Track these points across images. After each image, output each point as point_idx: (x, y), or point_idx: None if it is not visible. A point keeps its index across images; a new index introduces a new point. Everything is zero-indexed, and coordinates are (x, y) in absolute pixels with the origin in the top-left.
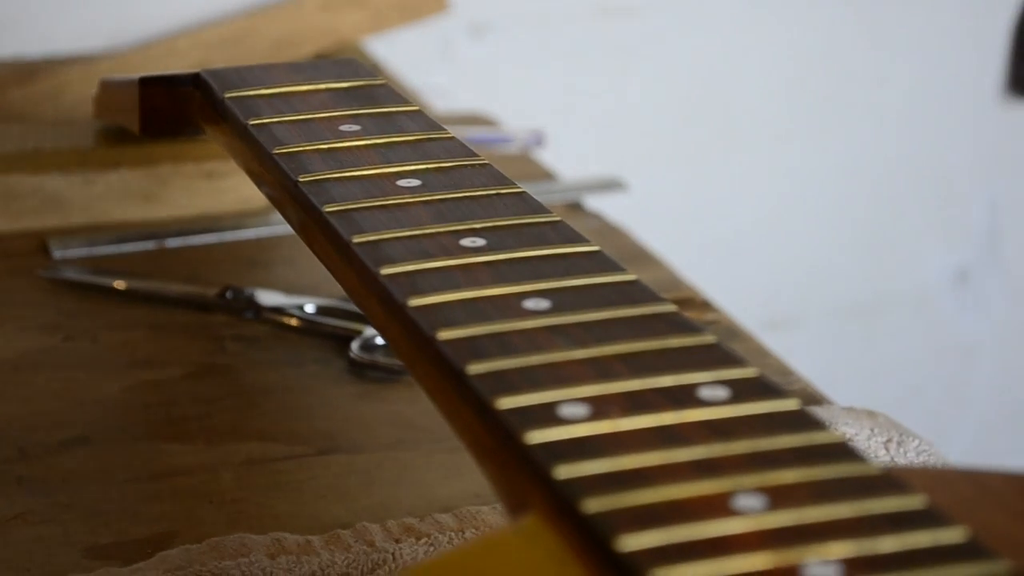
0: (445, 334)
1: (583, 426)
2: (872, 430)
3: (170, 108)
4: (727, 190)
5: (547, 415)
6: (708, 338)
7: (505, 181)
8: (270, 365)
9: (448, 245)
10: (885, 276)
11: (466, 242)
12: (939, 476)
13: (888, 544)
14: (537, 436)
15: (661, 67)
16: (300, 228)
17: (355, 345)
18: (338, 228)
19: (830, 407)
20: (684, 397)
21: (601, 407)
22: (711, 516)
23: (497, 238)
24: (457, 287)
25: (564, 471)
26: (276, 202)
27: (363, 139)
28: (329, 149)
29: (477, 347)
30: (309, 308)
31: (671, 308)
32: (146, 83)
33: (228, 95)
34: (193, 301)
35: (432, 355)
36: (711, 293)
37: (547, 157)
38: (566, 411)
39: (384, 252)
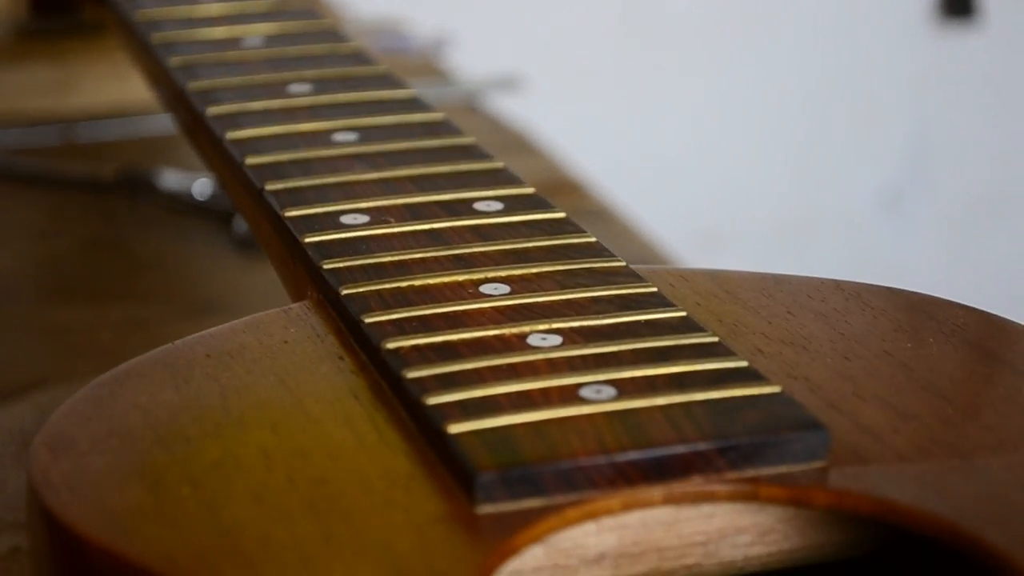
0: (252, 160)
1: (359, 231)
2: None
3: None
4: (656, 108)
5: (329, 222)
6: (497, 164)
7: (343, 39)
8: (158, 240)
9: (276, 90)
10: (815, 197)
11: (293, 88)
12: (682, 274)
13: (609, 320)
14: (315, 237)
15: None
16: (181, 122)
17: (239, 222)
18: (176, 79)
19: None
20: (460, 209)
21: (380, 216)
22: (455, 300)
23: (322, 85)
24: (274, 123)
25: (330, 263)
26: (165, 103)
27: (218, 3)
28: (186, 18)
29: (279, 170)
30: (201, 190)
31: (470, 141)
32: None
33: None
34: (92, 184)
35: (242, 179)
36: (638, 210)
37: (471, 69)
38: (347, 219)
39: (214, 97)
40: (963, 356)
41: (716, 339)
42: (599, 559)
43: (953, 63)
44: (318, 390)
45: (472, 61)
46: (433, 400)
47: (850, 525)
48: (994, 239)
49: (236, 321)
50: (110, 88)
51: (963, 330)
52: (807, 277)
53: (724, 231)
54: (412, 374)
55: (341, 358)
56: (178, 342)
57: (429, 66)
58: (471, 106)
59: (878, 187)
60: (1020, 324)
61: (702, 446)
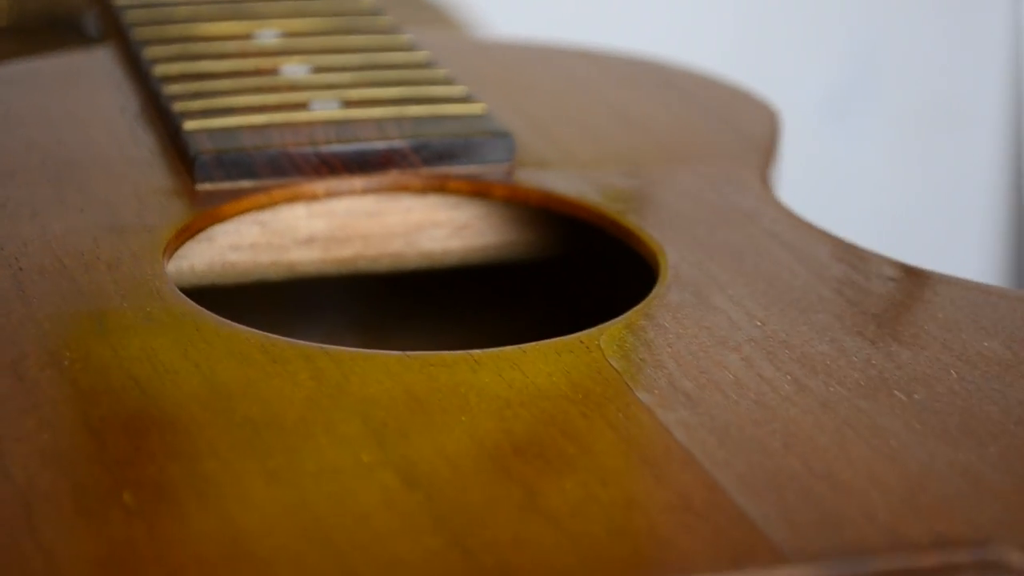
0: None
1: None
2: None
3: None
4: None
5: None
6: None
7: None
8: None
9: None
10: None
11: None
12: (451, 37)
13: (358, 57)
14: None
15: None
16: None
17: None
18: None
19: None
20: None
21: None
22: (229, 40)
23: None
24: None
25: (130, 14)
26: None
27: None
28: None
29: None
30: None
31: None
32: None
33: None
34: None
35: None
36: None
37: None
38: None
39: None
40: (670, 101)
41: (444, 72)
42: (309, 241)
43: None
44: (91, 104)
45: None
46: (179, 107)
47: (535, 225)
48: (940, 148)
49: (42, 58)
50: None
51: (679, 85)
52: (571, 50)
53: None
54: (169, 90)
55: (120, 85)
56: None
57: None
58: None
59: (824, 94)
60: (732, 85)
61: (399, 144)
